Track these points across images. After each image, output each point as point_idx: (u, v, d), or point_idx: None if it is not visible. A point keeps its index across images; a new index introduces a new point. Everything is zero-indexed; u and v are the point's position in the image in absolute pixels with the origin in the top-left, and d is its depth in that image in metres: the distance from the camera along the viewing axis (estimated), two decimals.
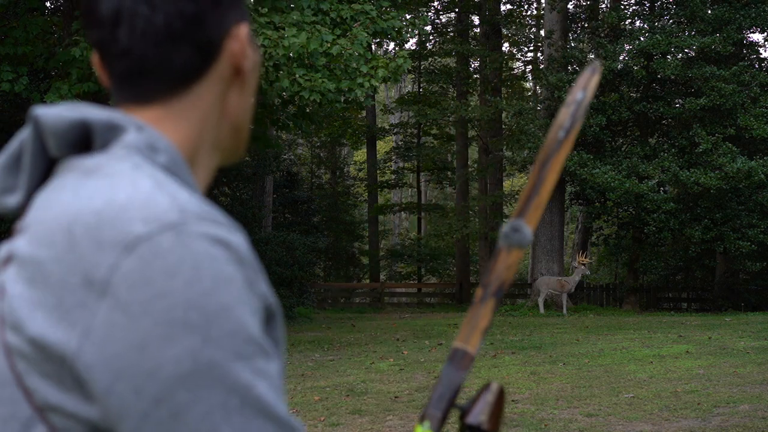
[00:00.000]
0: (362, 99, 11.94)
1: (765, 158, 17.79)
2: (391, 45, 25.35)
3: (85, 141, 0.76)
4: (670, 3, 20.73)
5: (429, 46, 26.61)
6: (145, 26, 0.76)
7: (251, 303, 0.69)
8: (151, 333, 0.65)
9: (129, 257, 0.66)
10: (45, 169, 0.78)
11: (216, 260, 0.67)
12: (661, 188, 19.79)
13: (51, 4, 15.37)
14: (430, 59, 27.06)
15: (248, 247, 0.72)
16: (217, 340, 0.66)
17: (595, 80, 1.00)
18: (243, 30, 0.83)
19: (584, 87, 1.00)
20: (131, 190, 0.70)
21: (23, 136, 0.78)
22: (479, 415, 1.13)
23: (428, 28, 25.08)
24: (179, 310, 0.65)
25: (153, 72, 0.78)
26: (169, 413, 0.65)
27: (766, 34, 20.79)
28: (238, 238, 0.71)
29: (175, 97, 0.79)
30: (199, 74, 0.80)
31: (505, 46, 27.48)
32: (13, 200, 0.78)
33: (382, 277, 28.62)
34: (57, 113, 0.75)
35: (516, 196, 26.27)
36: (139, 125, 0.76)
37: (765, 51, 47.78)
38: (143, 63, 0.78)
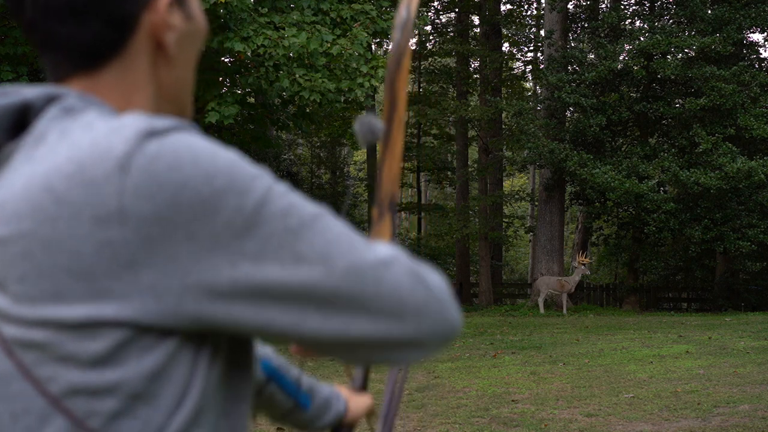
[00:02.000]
0: (362, 99, 11.94)
1: (765, 158, 17.77)
2: (392, 45, 25.28)
3: (21, 124, 0.76)
4: (670, 3, 20.73)
5: (429, 46, 26.59)
6: (46, 2, 0.76)
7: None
8: (195, 222, 0.67)
9: (129, 175, 0.67)
10: None
11: (196, 139, 0.70)
12: (661, 188, 19.78)
13: None
14: (430, 59, 27.04)
15: None
16: (247, 187, 0.69)
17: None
18: (162, 2, 0.80)
19: (407, 5, 1.03)
20: (90, 130, 0.70)
21: None
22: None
23: (428, 28, 25.06)
24: (204, 188, 0.67)
25: (64, 47, 0.78)
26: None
27: (766, 34, 20.79)
28: (195, 127, 0.74)
29: (98, 70, 0.79)
30: (116, 49, 0.78)
31: (505, 46, 27.47)
32: None
33: None
34: None
35: (516, 196, 26.26)
36: (77, 92, 0.76)
37: (765, 51, 47.83)
38: (51, 38, 0.78)
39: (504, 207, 27.35)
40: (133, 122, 0.70)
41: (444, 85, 26.61)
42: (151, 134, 0.68)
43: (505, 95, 26.06)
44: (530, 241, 29.40)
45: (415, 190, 30.98)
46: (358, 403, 1.30)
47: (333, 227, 0.73)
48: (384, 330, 0.73)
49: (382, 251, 0.75)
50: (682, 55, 19.44)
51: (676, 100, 20.06)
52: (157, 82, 0.82)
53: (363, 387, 1.24)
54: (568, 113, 21.45)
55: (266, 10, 10.62)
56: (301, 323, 0.71)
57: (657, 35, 18.51)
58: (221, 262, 0.68)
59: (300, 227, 0.70)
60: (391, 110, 0.99)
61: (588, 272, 19.47)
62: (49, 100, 0.75)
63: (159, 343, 0.70)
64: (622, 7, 21.73)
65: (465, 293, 23.79)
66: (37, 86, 0.77)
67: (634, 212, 19.86)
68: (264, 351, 1.21)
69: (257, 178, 0.70)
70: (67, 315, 0.68)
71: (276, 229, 0.69)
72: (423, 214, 30.37)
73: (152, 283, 0.68)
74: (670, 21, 20.44)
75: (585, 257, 18.96)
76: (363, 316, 0.72)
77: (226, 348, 0.76)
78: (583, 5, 23.01)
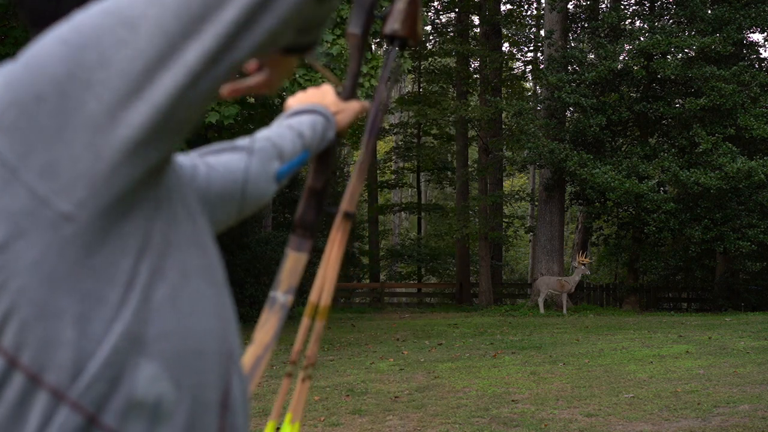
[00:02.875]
0: (362, 99, 11.95)
1: (765, 158, 17.77)
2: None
3: None
4: (670, 3, 20.73)
5: (429, 46, 26.59)
6: None
7: None
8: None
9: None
10: None
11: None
12: (661, 188, 19.78)
13: None
14: (430, 59, 27.05)
15: None
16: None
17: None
18: None
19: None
20: None
21: None
22: (393, 23, 1.18)
23: (428, 28, 25.07)
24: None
25: (49, 24, 0.80)
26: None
27: (766, 34, 20.78)
28: None
29: None
30: None
31: (505, 46, 27.47)
32: None
33: (382, 277, 28.61)
34: None
35: (516, 196, 26.26)
36: None
37: (765, 51, 47.81)
38: (37, 14, 0.80)
39: (504, 207, 27.33)
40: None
41: (444, 85, 26.62)
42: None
43: (505, 95, 26.06)
44: (530, 241, 29.40)
45: (415, 190, 31.00)
46: (347, 110, 1.31)
47: None
48: None
49: None
50: (682, 55, 19.44)
51: (676, 100, 20.06)
52: None
53: (352, 95, 1.29)
54: (568, 113, 21.45)
55: None
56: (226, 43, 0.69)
57: (657, 35, 18.52)
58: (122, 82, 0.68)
59: None
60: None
61: (588, 272, 19.48)
62: None
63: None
64: (622, 7, 21.73)
65: (465, 293, 23.79)
66: None
67: (634, 212, 19.86)
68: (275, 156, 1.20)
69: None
70: None
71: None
72: (423, 214, 30.37)
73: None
74: (670, 21, 20.44)
75: (585, 257, 18.96)
76: None
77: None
78: (583, 5, 23.01)
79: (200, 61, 0.67)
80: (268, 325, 1.12)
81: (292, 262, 1.19)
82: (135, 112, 0.67)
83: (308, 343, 1.16)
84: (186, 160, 1.06)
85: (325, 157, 1.27)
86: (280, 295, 1.15)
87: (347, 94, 1.29)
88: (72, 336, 0.70)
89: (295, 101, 1.30)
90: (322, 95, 1.30)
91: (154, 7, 0.67)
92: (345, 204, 1.18)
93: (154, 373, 0.75)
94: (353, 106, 1.31)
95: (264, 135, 1.18)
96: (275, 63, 0.96)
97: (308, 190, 1.23)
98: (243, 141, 1.16)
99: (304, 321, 1.16)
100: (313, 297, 1.15)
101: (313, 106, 1.27)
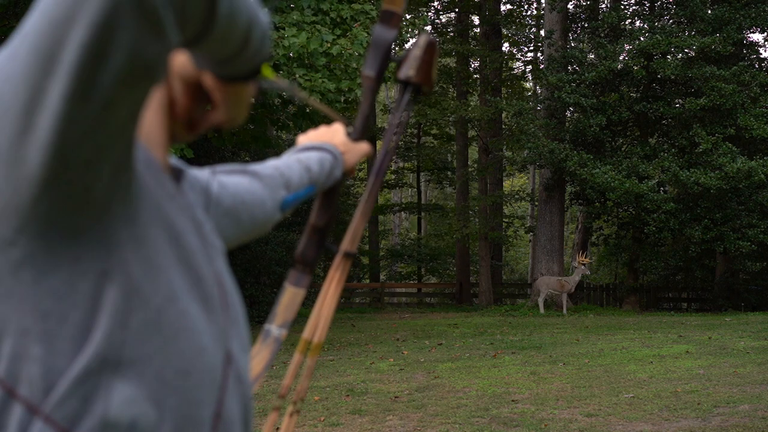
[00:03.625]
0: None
1: (765, 158, 17.77)
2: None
3: None
4: (670, 3, 20.73)
5: None
6: None
7: None
8: None
9: None
10: None
11: None
12: (661, 188, 19.78)
13: None
14: None
15: None
16: None
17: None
18: None
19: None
20: None
21: None
22: (408, 70, 1.20)
23: (428, 28, 25.07)
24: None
25: None
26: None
27: (766, 34, 20.79)
28: None
29: None
30: None
31: (505, 46, 27.47)
32: None
33: (382, 277, 28.61)
34: None
35: (516, 196, 26.26)
36: None
37: (765, 51, 47.80)
38: None
39: (504, 207, 27.33)
40: None
41: (444, 85, 26.62)
42: None
43: (505, 95, 26.07)
44: (530, 241, 29.40)
45: (415, 190, 31.00)
46: (354, 150, 1.34)
47: None
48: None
49: None
50: (682, 55, 19.44)
51: (676, 100, 20.05)
52: None
53: (361, 136, 1.33)
54: (568, 113, 21.45)
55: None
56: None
57: (657, 35, 18.51)
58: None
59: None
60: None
61: (588, 272, 19.48)
62: None
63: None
64: (622, 7, 21.72)
65: (465, 293, 23.78)
66: None
67: (634, 212, 19.86)
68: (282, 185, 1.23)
69: None
70: None
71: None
72: (423, 214, 30.37)
73: None
74: (670, 21, 20.44)
75: (585, 257, 18.96)
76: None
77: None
78: (583, 5, 23.01)
79: (63, 101, 0.66)
80: (259, 356, 1.14)
81: (290, 296, 1.21)
82: (31, 150, 0.68)
83: (299, 377, 1.17)
84: (202, 175, 1.10)
85: (330, 195, 1.30)
86: (275, 328, 1.17)
87: (357, 135, 1.33)
88: (39, 352, 0.74)
89: (305, 138, 1.34)
90: (332, 134, 1.35)
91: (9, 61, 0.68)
92: (346, 244, 1.20)
93: (130, 394, 0.77)
94: (361, 148, 1.35)
95: (273, 164, 1.23)
96: (223, 95, 0.96)
97: (311, 227, 1.26)
98: (253, 166, 1.20)
99: (296, 357, 1.17)
100: (306, 334, 1.16)
101: (323, 143, 1.31)
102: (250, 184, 1.17)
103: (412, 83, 1.25)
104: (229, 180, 1.14)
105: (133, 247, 0.79)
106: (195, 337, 0.83)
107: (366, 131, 1.32)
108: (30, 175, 0.70)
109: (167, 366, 0.80)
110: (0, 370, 0.74)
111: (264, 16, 0.83)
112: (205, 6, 0.73)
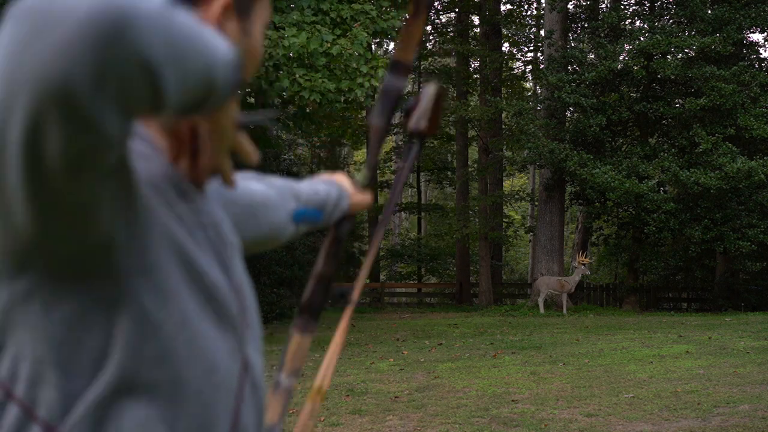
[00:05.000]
0: (362, 99, 11.92)
1: (765, 158, 17.77)
2: (391, 45, 25.35)
3: None
4: (670, 3, 20.72)
5: (429, 46, 26.59)
6: None
7: None
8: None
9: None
10: None
11: None
12: (661, 188, 19.78)
13: None
14: (430, 59, 27.05)
15: None
16: None
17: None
18: (217, 3, 0.83)
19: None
20: None
21: None
22: (419, 121, 1.23)
23: (428, 28, 25.07)
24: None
25: None
26: None
27: (766, 34, 20.78)
28: None
29: None
30: None
31: (505, 46, 27.46)
32: None
33: (382, 277, 28.61)
34: None
35: (516, 196, 26.25)
36: None
37: (765, 51, 47.76)
38: None
39: (504, 207, 27.32)
40: None
41: (444, 85, 26.58)
42: None
43: (505, 95, 26.05)
44: (530, 241, 29.39)
45: (415, 190, 30.99)
46: (357, 197, 1.37)
47: None
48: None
49: None
50: (682, 55, 19.44)
51: (676, 100, 20.05)
52: None
53: (366, 186, 1.36)
54: (568, 113, 21.45)
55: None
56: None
57: (657, 35, 18.51)
58: None
59: None
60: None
61: (588, 272, 19.48)
62: None
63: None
64: (622, 7, 21.72)
65: (465, 293, 23.79)
66: None
67: (634, 212, 19.85)
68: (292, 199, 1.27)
69: None
70: None
71: None
72: (423, 214, 30.37)
73: None
74: (670, 21, 20.44)
75: (585, 257, 18.96)
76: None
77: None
78: (583, 5, 23.01)
79: (20, 173, 0.66)
80: (270, 409, 1.14)
81: (296, 344, 1.21)
82: (14, 205, 0.69)
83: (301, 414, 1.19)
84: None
85: (337, 244, 1.31)
86: (284, 378, 1.17)
87: (365, 183, 1.37)
88: (55, 377, 0.75)
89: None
90: (339, 179, 1.39)
91: None
92: (357, 293, 1.23)
93: (143, 417, 0.78)
94: (364, 198, 1.38)
95: (282, 179, 1.28)
96: (207, 132, 0.92)
97: (317, 275, 1.26)
98: (264, 176, 1.25)
99: (308, 406, 1.17)
100: (317, 382, 1.16)
101: (330, 180, 1.36)
102: (266, 189, 1.20)
103: (422, 133, 1.28)
104: (245, 183, 1.17)
105: (142, 276, 0.78)
106: (208, 356, 0.84)
107: (370, 181, 1.35)
108: (22, 225, 0.70)
109: (180, 388, 0.81)
110: (19, 392, 0.76)
111: (223, 46, 0.75)
112: (148, 92, 0.66)
